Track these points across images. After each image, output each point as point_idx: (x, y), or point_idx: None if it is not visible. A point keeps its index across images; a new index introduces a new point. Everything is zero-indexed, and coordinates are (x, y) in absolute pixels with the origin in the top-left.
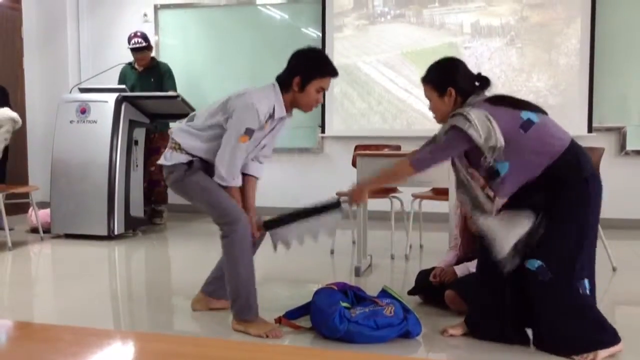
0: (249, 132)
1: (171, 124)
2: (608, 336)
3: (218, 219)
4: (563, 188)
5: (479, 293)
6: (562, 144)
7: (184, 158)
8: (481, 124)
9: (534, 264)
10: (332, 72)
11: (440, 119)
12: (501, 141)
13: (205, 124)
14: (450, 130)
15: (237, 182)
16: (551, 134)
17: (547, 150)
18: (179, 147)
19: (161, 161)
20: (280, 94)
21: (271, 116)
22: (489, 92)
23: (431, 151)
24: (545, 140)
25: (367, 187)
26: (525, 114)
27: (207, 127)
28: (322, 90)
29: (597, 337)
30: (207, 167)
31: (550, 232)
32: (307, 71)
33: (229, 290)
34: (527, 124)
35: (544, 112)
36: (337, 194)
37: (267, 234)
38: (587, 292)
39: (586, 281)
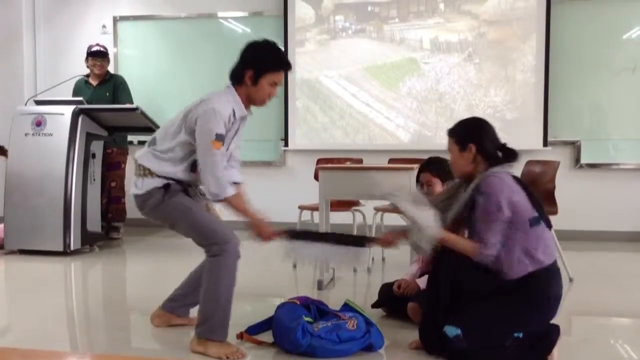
0: (219, 138)
1: (130, 138)
2: None
3: (205, 240)
4: (526, 292)
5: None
6: (549, 257)
7: (158, 182)
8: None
9: (453, 331)
10: (285, 65)
11: (456, 174)
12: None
13: (172, 145)
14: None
15: (230, 191)
16: (547, 243)
17: (535, 256)
18: (149, 173)
19: (133, 191)
20: (236, 94)
21: (234, 118)
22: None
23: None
24: (539, 245)
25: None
26: (538, 212)
27: (173, 147)
28: (275, 84)
29: None
30: (185, 189)
31: (487, 312)
32: (260, 65)
33: (203, 308)
34: (534, 221)
35: (550, 226)
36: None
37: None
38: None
39: (515, 334)
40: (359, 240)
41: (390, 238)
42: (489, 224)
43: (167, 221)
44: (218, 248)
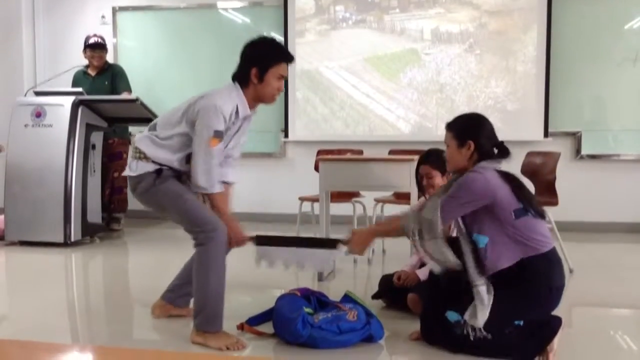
0: (218, 135)
1: (131, 129)
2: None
3: (193, 227)
4: (527, 283)
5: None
6: (544, 245)
7: (151, 167)
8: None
9: (454, 316)
10: (286, 57)
11: (450, 168)
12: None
13: (170, 133)
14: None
15: (218, 188)
16: (537, 232)
17: (527, 244)
18: (144, 156)
19: (126, 172)
20: (241, 92)
21: (236, 116)
22: (506, 163)
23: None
24: (529, 235)
25: (365, 236)
26: (523, 204)
27: (172, 136)
28: (282, 77)
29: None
30: (178, 175)
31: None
32: (262, 60)
33: (196, 300)
34: (520, 212)
35: (542, 216)
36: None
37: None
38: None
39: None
40: (329, 243)
41: (360, 246)
42: (450, 205)
43: (157, 206)
44: (205, 236)
